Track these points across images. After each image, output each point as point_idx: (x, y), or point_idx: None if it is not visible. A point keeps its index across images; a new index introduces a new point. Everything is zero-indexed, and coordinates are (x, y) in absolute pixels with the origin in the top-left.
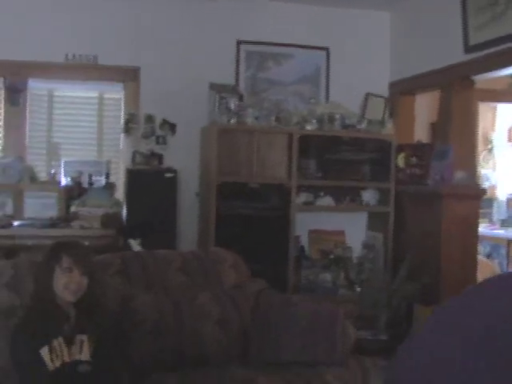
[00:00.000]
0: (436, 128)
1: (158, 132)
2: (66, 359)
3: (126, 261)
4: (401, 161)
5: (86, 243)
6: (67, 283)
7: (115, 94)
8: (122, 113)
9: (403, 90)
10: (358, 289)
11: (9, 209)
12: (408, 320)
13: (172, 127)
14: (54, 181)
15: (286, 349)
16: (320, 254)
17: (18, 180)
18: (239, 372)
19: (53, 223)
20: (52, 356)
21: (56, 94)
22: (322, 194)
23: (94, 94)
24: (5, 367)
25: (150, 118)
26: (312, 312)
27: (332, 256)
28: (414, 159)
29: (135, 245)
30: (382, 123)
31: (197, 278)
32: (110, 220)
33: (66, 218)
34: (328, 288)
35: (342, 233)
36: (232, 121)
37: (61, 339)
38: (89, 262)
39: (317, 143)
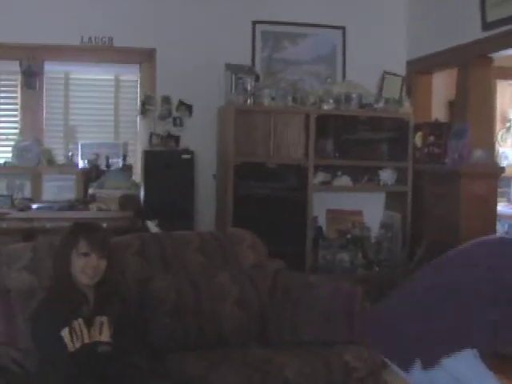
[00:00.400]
0: (454, 106)
1: (175, 113)
2: (86, 340)
3: (144, 242)
4: (418, 140)
5: (104, 225)
6: (84, 267)
7: (131, 75)
8: (139, 94)
9: (420, 68)
10: (376, 268)
11: (27, 192)
12: None
13: (188, 108)
14: (71, 163)
15: (304, 328)
16: (337, 233)
17: (35, 163)
18: (258, 351)
19: (71, 206)
20: (72, 337)
21: (72, 76)
22: (339, 173)
23: (110, 76)
24: (26, 348)
25: (166, 100)
26: (330, 291)
27: (349, 236)
28: (431, 138)
29: (153, 226)
30: (399, 102)
31: (215, 258)
32: (127, 202)
33: (83, 201)
34: (346, 268)
35: (359, 212)
36: (248, 101)
37: (81, 320)
38: (106, 245)
39: (334, 123)
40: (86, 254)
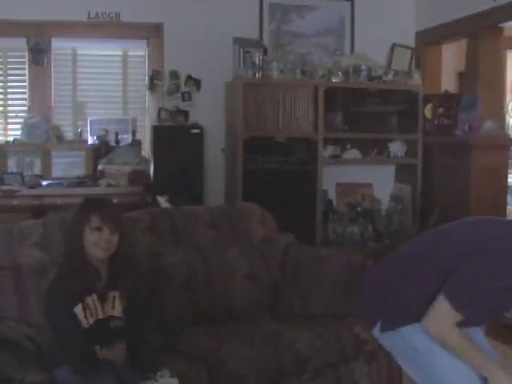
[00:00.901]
0: (463, 78)
1: (183, 88)
2: (100, 316)
3: (155, 218)
4: (428, 112)
5: (114, 201)
6: (97, 242)
7: (139, 51)
8: (147, 70)
9: (430, 39)
10: (387, 241)
11: (37, 169)
12: None
13: (197, 83)
14: (80, 140)
15: (315, 302)
16: (347, 207)
17: (45, 140)
18: (269, 326)
19: (80, 182)
20: (86, 313)
21: (80, 52)
22: (348, 146)
23: (118, 52)
24: (40, 325)
25: (174, 75)
26: (341, 265)
27: (359, 209)
28: (441, 110)
29: (163, 201)
30: (408, 74)
31: (225, 233)
32: (137, 177)
33: (93, 177)
34: (356, 241)
35: (369, 185)
36: (257, 75)
37: (94, 296)
38: (118, 219)
39: (343, 96)
40: (98, 229)
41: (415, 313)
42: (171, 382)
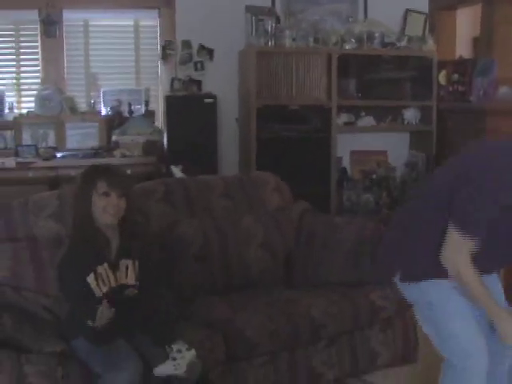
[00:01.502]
0: (478, 43)
1: (196, 58)
2: (113, 284)
3: (169, 187)
4: (442, 78)
5: (128, 171)
6: (105, 207)
7: (151, 20)
8: (159, 40)
9: (444, 4)
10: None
11: (51, 141)
12: None
13: (209, 52)
14: (94, 111)
15: (330, 270)
16: (362, 174)
17: (58, 112)
18: (284, 294)
19: (95, 153)
20: (98, 282)
21: (91, 23)
22: (362, 114)
23: (130, 22)
24: (57, 296)
25: (186, 44)
26: (356, 232)
27: (374, 176)
28: (456, 76)
29: (177, 171)
30: (422, 40)
31: (240, 202)
32: (151, 147)
33: (107, 148)
34: (371, 208)
35: (384, 153)
36: (269, 43)
37: (106, 265)
38: (124, 184)
39: (356, 63)
40: (106, 194)
41: (431, 263)
42: (189, 355)
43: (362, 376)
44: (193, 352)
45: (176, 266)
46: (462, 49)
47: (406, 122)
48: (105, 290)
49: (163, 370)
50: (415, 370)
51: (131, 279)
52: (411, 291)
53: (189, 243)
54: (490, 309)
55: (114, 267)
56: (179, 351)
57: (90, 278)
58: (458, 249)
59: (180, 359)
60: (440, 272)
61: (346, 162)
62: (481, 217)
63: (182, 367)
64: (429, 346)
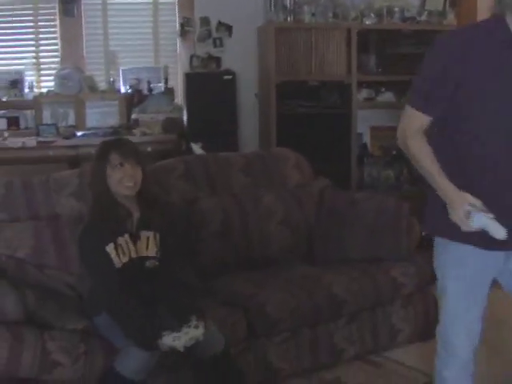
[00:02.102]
0: None
1: (215, 34)
2: (134, 255)
3: (189, 164)
4: None
5: (149, 149)
6: (121, 178)
7: None
8: (177, 17)
9: None
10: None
11: (71, 119)
12: None
13: (228, 29)
14: (113, 89)
15: (351, 246)
16: (382, 150)
17: (78, 90)
18: (305, 270)
19: (115, 131)
20: (118, 252)
21: (109, 1)
22: (382, 89)
23: (148, 0)
24: (80, 273)
25: (205, 21)
26: (376, 208)
27: (394, 152)
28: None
29: (197, 148)
30: (443, 14)
31: (260, 178)
32: (171, 125)
33: (127, 126)
34: (391, 184)
35: None
36: (288, 19)
37: (126, 236)
38: (137, 153)
39: (376, 38)
40: (120, 165)
41: (439, 218)
42: (193, 332)
43: (383, 352)
44: (200, 331)
45: (197, 242)
46: None
47: None
48: (125, 260)
49: (165, 340)
50: (436, 346)
51: (152, 251)
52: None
53: (209, 220)
54: (437, 185)
55: (135, 239)
56: (189, 326)
57: (110, 248)
58: (407, 124)
59: (183, 334)
60: (446, 230)
61: (366, 138)
62: (417, 82)
63: (180, 341)
64: None
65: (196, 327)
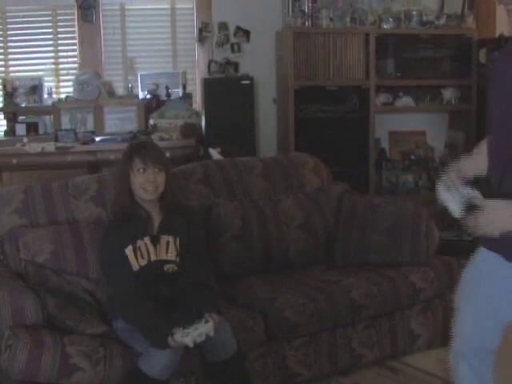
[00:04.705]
0: None
1: (233, 39)
2: (153, 258)
3: (208, 169)
4: (482, 56)
5: (167, 154)
6: (143, 182)
7: (187, 3)
8: (195, 22)
9: None
10: None
11: (89, 125)
12: None
13: (246, 34)
14: (131, 95)
15: (369, 250)
16: (401, 155)
17: (96, 96)
18: (324, 274)
19: (133, 136)
20: (137, 255)
21: (127, 7)
22: (401, 94)
23: (166, 5)
24: (97, 278)
25: (223, 26)
26: (395, 213)
27: (413, 157)
28: (496, 54)
29: (215, 153)
30: (461, 18)
31: (278, 183)
32: (189, 130)
33: (145, 131)
34: (410, 189)
35: (422, 133)
36: (306, 24)
37: (147, 239)
38: (161, 158)
39: (394, 42)
40: (143, 169)
41: None
42: (202, 327)
43: (402, 358)
44: (209, 326)
45: (216, 246)
46: (503, 26)
47: (444, 102)
48: (143, 263)
49: (175, 337)
50: None
51: (171, 255)
52: None
53: (228, 224)
54: None
55: (156, 242)
56: (199, 322)
57: (128, 250)
58: None
59: (192, 329)
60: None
61: (384, 143)
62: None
63: (189, 337)
64: None
65: (206, 322)
